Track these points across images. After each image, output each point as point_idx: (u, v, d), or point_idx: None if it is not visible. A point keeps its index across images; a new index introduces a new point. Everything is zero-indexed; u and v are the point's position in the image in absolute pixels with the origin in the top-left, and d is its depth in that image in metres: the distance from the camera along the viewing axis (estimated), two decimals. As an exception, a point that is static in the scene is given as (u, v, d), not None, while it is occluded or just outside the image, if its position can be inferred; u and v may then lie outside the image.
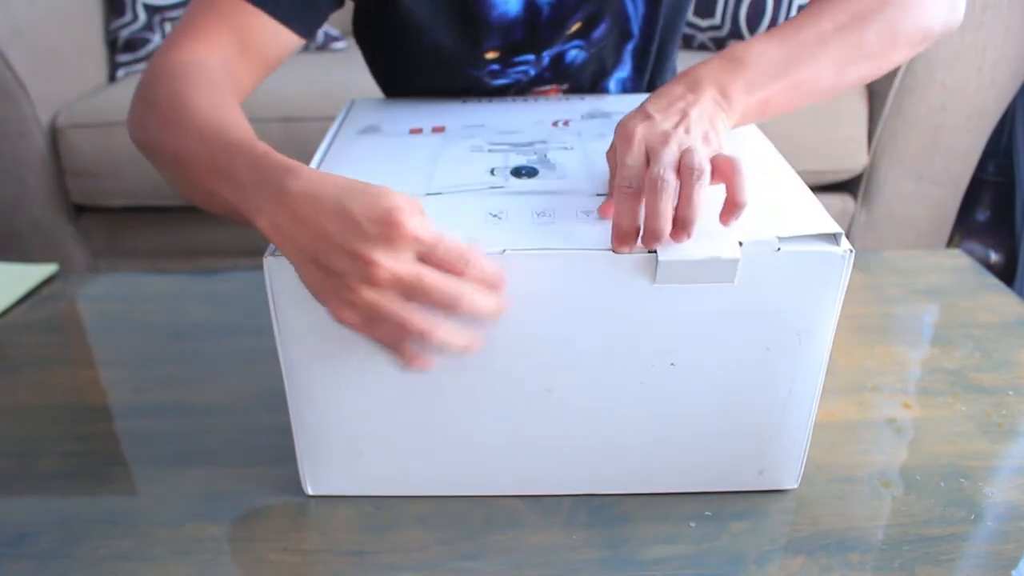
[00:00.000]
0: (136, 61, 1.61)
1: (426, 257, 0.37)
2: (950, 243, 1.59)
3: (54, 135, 1.39)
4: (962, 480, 0.48)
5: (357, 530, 0.45)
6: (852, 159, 1.41)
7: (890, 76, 1.35)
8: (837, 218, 1.49)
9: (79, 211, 1.48)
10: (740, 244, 0.40)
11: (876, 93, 1.39)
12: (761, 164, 0.49)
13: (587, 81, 0.73)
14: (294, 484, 0.48)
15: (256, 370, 0.60)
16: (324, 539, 0.45)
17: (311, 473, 0.48)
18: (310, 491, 0.48)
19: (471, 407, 0.44)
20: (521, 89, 0.72)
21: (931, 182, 1.42)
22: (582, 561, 0.43)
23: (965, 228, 1.62)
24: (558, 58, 0.70)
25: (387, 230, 0.36)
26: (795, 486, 0.47)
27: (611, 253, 0.39)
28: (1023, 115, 1.48)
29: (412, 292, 0.37)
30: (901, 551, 0.43)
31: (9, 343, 0.65)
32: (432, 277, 0.37)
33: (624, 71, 0.74)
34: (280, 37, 0.60)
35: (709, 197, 0.39)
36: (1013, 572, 0.42)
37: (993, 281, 0.70)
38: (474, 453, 0.46)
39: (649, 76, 0.76)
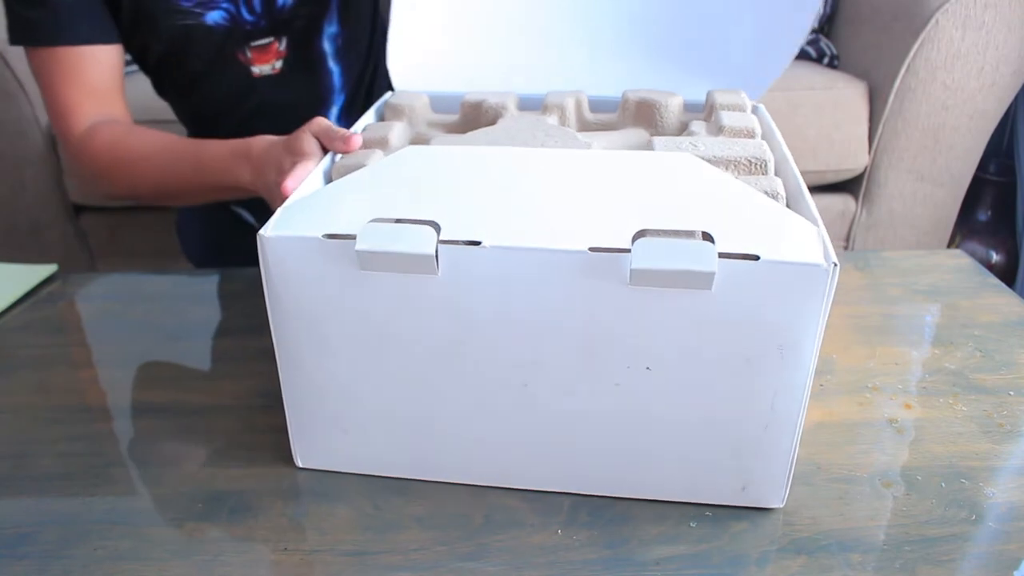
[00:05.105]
0: (134, 61, 1.60)
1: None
2: (951, 243, 1.59)
3: (53, 135, 1.39)
4: (963, 481, 0.48)
5: (357, 530, 0.45)
6: (853, 159, 1.41)
7: (891, 76, 1.35)
8: (838, 218, 1.49)
9: (79, 211, 1.48)
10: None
11: (877, 93, 1.39)
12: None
13: (300, 33, 0.75)
14: (294, 484, 0.48)
15: (256, 370, 0.60)
16: (324, 539, 0.45)
17: (300, 447, 0.49)
18: (300, 464, 0.49)
19: (449, 394, 0.45)
20: (239, 39, 0.74)
21: (932, 182, 1.42)
22: (582, 561, 0.43)
23: (966, 228, 1.62)
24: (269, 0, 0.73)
25: None
26: (781, 505, 0.46)
27: (586, 252, 0.39)
28: (1024, 115, 1.48)
29: None
30: (902, 551, 0.43)
31: (8, 343, 0.65)
32: None
33: (332, 26, 0.75)
34: (99, 56, 0.70)
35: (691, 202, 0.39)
36: (1015, 573, 0.42)
37: (994, 281, 0.70)
38: (453, 440, 0.46)
39: (370, 34, 0.78)
